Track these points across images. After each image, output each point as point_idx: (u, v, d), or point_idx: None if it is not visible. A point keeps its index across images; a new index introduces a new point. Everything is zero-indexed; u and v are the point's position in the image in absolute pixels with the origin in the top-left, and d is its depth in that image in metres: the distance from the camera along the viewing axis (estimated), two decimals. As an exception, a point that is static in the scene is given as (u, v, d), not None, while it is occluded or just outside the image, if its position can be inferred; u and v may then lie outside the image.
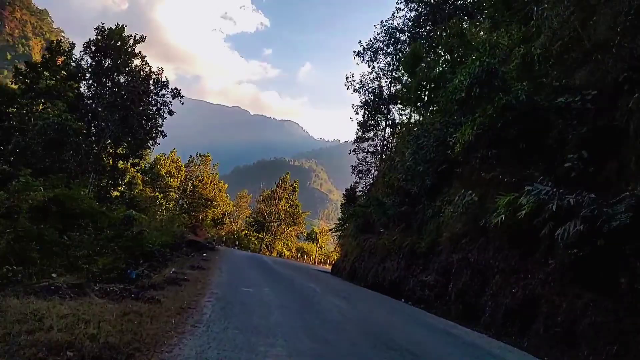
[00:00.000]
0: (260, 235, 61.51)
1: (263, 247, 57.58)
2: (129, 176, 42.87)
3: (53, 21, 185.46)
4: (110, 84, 35.50)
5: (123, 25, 37.72)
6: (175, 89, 38.72)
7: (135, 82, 33.37)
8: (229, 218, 66.22)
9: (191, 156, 65.88)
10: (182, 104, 40.59)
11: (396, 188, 21.77)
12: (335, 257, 72.38)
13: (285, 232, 64.26)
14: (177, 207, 55.64)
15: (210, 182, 61.73)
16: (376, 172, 43.34)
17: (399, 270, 17.69)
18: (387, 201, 21.99)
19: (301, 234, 73.07)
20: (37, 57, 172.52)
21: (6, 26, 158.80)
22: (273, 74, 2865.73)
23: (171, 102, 36.96)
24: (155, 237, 20.53)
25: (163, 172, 58.81)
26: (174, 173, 61.18)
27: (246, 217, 72.72)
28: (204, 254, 23.19)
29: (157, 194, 53.55)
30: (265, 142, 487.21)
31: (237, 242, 49.48)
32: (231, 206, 69.04)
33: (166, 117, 37.77)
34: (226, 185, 69.61)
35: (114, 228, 18.36)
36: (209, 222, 55.96)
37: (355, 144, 45.59)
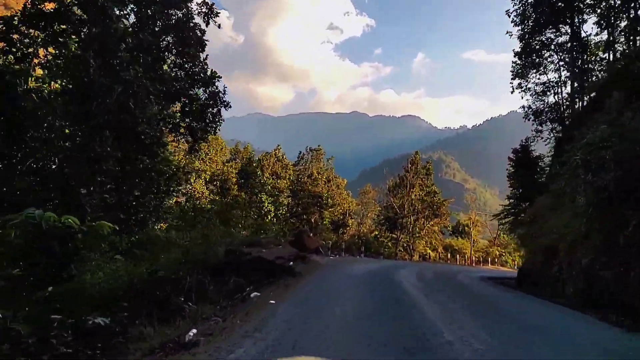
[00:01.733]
0: (394, 235, 47.76)
1: (400, 250, 43.78)
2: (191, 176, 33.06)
3: None
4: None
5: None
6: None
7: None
8: (352, 218, 53.73)
9: (300, 152, 55.28)
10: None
11: None
12: (496, 254, 54.98)
13: (426, 228, 49.45)
14: (288, 212, 44.92)
15: (324, 178, 50.10)
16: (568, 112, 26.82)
17: None
18: None
19: (445, 229, 57.51)
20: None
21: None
22: (386, 72, 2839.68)
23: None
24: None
25: (267, 174, 48.89)
26: (281, 173, 50.98)
27: (374, 215, 59.70)
28: (253, 293, 10.45)
29: (261, 197, 43.57)
30: (389, 141, 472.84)
31: (362, 249, 36.72)
32: (354, 204, 56.62)
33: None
34: (345, 180, 57.46)
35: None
36: (326, 225, 44.20)
37: (516, 79, 29.82)
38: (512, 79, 30.66)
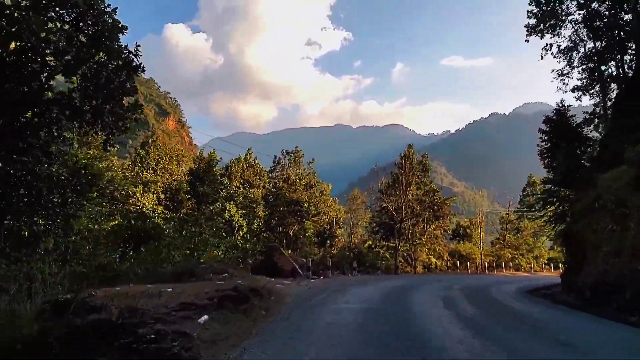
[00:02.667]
0: (391, 244, 40.03)
1: (400, 262, 35.93)
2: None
3: (159, 86, 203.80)
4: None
5: None
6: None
7: None
8: (341, 227, 45.93)
9: (275, 156, 47.56)
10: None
11: None
12: (508, 256, 47.48)
13: (427, 232, 41.86)
14: (263, 226, 36.91)
15: (304, 183, 42.39)
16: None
17: None
18: None
19: (445, 233, 50.13)
20: (152, 121, 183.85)
21: (124, 99, 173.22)
22: (366, 83, 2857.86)
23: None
24: None
25: (237, 182, 41.01)
26: (254, 181, 43.11)
27: (366, 222, 52.03)
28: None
29: (229, 208, 35.68)
30: (374, 150, 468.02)
31: (354, 264, 28.90)
32: (342, 212, 48.90)
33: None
34: (330, 185, 49.76)
35: None
36: (309, 238, 36.33)
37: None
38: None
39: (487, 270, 41.32)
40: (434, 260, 39.64)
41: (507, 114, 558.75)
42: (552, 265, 49.03)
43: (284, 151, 47.37)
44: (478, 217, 45.21)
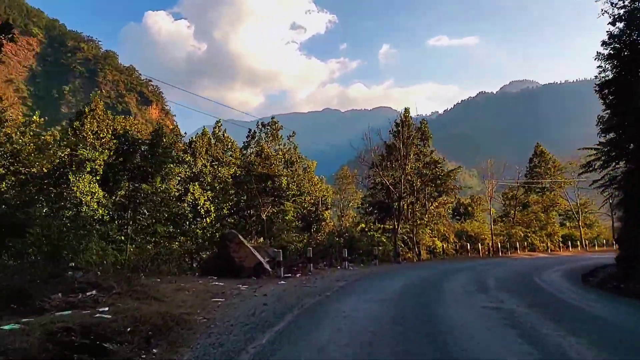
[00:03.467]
0: (387, 226, 33.58)
1: (400, 247, 29.40)
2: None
3: (140, 74, 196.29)
4: None
5: None
6: None
7: None
8: (329, 209, 39.34)
9: (249, 130, 40.43)
10: None
11: None
12: (520, 235, 41.03)
13: (429, 211, 35.40)
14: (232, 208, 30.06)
15: (283, 158, 35.58)
16: None
17: None
18: None
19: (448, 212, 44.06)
20: (134, 110, 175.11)
21: (102, 90, 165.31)
22: (353, 66, 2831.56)
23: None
24: None
25: (203, 161, 34.08)
26: (224, 158, 36.13)
27: (359, 203, 45.53)
28: None
29: (193, 190, 28.85)
30: (364, 133, 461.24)
31: (344, 252, 22.20)
32: (330, 192, 42.20)
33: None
34: (315, 162, 42.90)
35: None
36: (290, 222, 29.61)
37: None
38: None
39: (500, 252, 35.13)
40: (438, 243, 33.22)
41: (495, 93, 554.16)
42: (569, 243, 43.09)
43: (259, 123, 40.33)
44: (487, 189, 38.57)
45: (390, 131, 35.06)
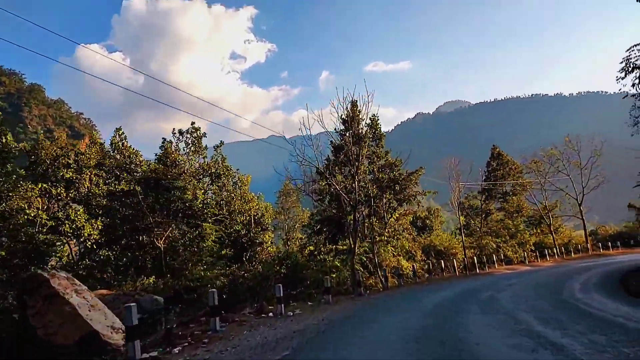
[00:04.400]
0: (341, 246, 26.37)
1: (358, 271, 22.08)
2: None
3: (70, 107, 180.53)
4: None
5: None
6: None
7: None
8: (268, 231, 31.38)
9: (164, 139, 32.04)
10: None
11: None
12: (492, 247, 34.35)
13: (389, 223, 28.60)
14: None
15: (199, 165, 27.62)
16: None
17: None
18: None
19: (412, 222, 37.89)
20: (63, 143, 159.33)
21: (29, 125, 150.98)
22: (295, 93, 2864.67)
23: None
24: None
25: (91, 174, 25.42)
26: (121, 174, 27.48)
27: (306, 221, 38.13)
28: None
29: (72, 212, 20.28)
30: (310, 157, 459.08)
31: (279, 289, 14.79)
32: (269, 210, 34.41)
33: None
34: (249, 176, 35.02)
35: None
36: (209, 250, 21.46)
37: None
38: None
39: (477, 268, 28.77)
40: (405, 263, 26.26)
41: (431, 113, 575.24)
42: (542, 252, 37.86)
43: (177, 130, 32.12)
44: (455, 192, 32.24)
45: (336, 129, 28.17)
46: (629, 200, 55.58)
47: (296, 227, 43.41)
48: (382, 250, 25.70)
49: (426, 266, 27.76)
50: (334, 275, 21.92)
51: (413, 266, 24.59)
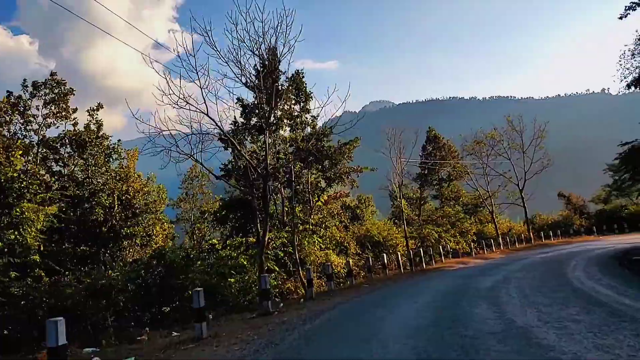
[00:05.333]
0: (253, 239, 19.18)
1: (270, 276, 15.12)
2: None
3: None
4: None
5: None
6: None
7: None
8: (156, 218, 23.19)
9: (9, 93, 22.48)
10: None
11: None
12: (435, 237, 28.97)
13: (316, 207, 21.95)
14: None
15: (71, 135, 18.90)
16: None
17: None
18: None
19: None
20: None
21: None
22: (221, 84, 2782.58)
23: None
24: None
25: None
26: None
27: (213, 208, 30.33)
28: None
29: None
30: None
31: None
32: (163, 192, 26.18)
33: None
34: (136, 149, 26.33)
35: None
36: (21, 244, 13.27)
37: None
38: None
39: (424, 264, 22.93)
40: (335, 258, 19.59)
41: (357, 112, 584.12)
42: (491, 242, 33.51)
43: (30, 82, 22.69)
44: (396, 169, 25.97)
45: (247, 84, 20.52)
46: (556, 190, 54.53)
47: (205, 217, 35.30)
48: (306, 242, 18.84)
49: (362, 261, 21.38)
50: (239, 277, 14.64)
51: (347, 262, 17.86)
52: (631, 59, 20.36)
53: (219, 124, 13.66)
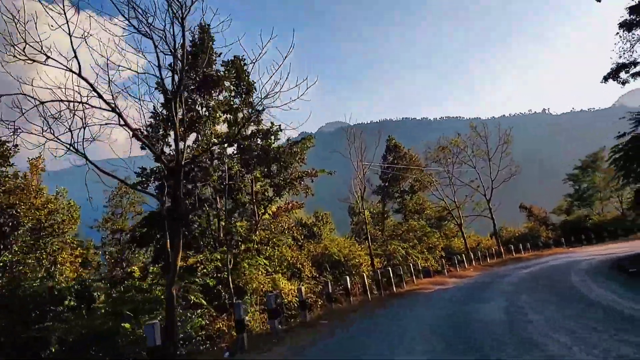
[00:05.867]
0: (182, 263, 14.44)
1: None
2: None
3: None
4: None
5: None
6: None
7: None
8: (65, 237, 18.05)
9: None
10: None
11: None
12: (402, 253, 25.35)
13: (263, 221, 17.62)
14: None
15: None
16: None
17: None
18: None
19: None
20: None
21: None
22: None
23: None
24: None
25: None
26: None
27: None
28: None
29: None
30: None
31: None
32: (74, 209, 20.89)
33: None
34: (40, 160, 21.00)
35: None
36: None
37: None
38: None
39: (394, 286, 18.94)
40: (286, 284, 15.25)
41: (314, 133, 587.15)
42: (461, 258, 30.14)
43: None
44: (357, 174, 21.88)
45: (164, 65, 16.01)
46: (518, 202, 53.02)
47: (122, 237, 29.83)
48: (246, 265, 14.36)
49: (319, 287, 17.08)
50: (128, 326, 9.95)
51: (299, 289, 13.44)
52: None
53: (97, 87, 9.04)
